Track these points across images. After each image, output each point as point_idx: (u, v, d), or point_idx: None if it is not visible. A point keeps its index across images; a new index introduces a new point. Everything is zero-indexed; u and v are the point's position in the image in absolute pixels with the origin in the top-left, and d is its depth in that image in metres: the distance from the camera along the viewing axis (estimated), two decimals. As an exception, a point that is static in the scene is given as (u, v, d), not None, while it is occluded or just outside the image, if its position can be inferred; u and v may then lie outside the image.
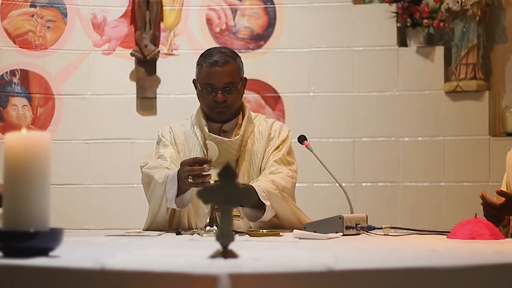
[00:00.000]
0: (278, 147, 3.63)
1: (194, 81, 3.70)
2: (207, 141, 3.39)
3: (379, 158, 5.43)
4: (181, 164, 3.30)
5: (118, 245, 2.68)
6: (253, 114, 3.72)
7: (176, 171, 3.35)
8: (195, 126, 3.63)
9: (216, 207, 3.18)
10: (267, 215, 3.39)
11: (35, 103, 5.42)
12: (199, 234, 3.20)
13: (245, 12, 5.58)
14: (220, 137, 3.55)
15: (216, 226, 3.20)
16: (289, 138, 3.68)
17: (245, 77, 3.65)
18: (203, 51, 3.60)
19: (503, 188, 3.39)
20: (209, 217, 3.24)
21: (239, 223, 3.47)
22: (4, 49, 5.38)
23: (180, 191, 3.36)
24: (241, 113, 3.65)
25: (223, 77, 3.54)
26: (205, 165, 3.22)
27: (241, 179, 3.55)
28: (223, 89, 3.54)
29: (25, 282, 1.92)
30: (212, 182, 3.21)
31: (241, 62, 3.63)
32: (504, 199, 3.18)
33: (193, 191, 3.40)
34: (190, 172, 3.23)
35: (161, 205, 3.44)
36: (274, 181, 3.45)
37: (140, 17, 5.49)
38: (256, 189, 3.35)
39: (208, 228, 3.21)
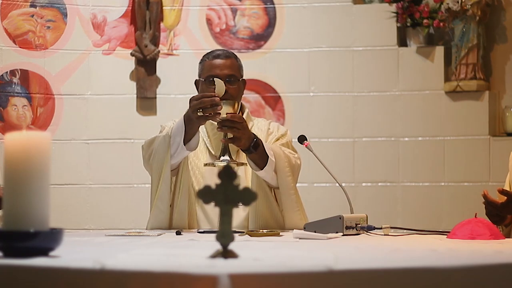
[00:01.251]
0: (278, 139, 3.70)
1: (196, 82, 3.73)
2: (214, 78, 3.44)
3: (379, 158, 5.43)
4: (190, 100, 3.35)
5: (118, 245, 2.67)
6: (252, 117, 3.81)
7: (181, 118, 3.41)
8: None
9: (227, 137, 3.33)
10: (268, 169, 3.44)
11: (35, 103, 5.42)
12: (213, 165, 3.33)
13: (245, 12, 5.58)
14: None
15: (229, 156, 3.32)
16: (288, 135, 3.75)
17: (244, 79, 3.72)
18: (203, 51, 3.65)
19: (506, 188, 3.39)
20: (222, 147, 3.36)
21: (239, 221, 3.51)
22: (4, 49, 5.38)
23: (187, 137, 3.40)
24: (240, 113, 3.70)
25: (225, 68, 3.63)
26: (215, 96, 3.30)
27: (241, 169, 3.62)
28: (225, 80, 3.59)
29: (25, 282, 1.92)
30: (223, 115, 3.29)
31: (241, 64, 3.73)
32: (506, 198, 3.18)
33: (199, 137, 3.46)
34: (200, 104, 3.29)
35: (165, 162, 3.45)
36: (283, 150, 3.54)
37: (140, 17, 5.49)
38: (265, 146, 3.43)
39: (222, 158, 3.32)
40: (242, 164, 3.42)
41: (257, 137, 3.45)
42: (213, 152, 3.64)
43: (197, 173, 3.61)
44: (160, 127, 3.79)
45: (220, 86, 3.36)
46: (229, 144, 3.38)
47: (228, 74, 3.61)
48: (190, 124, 3.38)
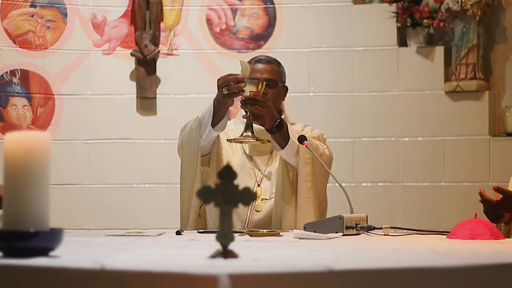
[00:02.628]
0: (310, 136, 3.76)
1: None
2: (239, 60, 3.57)
3: (379, 158, 5.43)
4: (217, 81, 3.49)
5: (118, 245, 2.68)
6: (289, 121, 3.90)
7: (211, 102, 3.55)
8: (237, 125, 3.79)
9: (249, 114, 3.47)
10: (289, 150, 3.54)
11: (35, 103, 5.42)
12: (235, 140, 3.52)
13: (245, 12, 5.58)
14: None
15: (251, 132, 3.47)
16: (322, 133, 3.86)
17: (286, 86, 3.86)
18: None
19: (510, 188, 3.39)
20: (245, 124, 3.50)
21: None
22: (4, 49, 5.38)
23: (216, 119, 3.53)
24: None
25: (265, 72, 3.75)
26: (239, 74, 3.45)
27: (273, 167, 3.69)
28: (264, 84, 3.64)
29: (25, 282, 1.92)
30: (247, 94, 3.44)
31: (284, 71, 3.86)
32: (501, 196, 3.19)
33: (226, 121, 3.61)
34: (226, 82, 3.44)
35: (195, 142, 3.57)
36: (311, 139, 3.64)
37: (140, 17, 5.49)
38: (289, 129, 3.54)
39: (244, 134, 3.48)
40: (263, 140, 3.53)
41: (282, 119, 3.56)
42: (247, 151, 3.74)
43: None
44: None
45: (245, 66, 3.49)
46: (253, 122, 3.50)
47: (268, 78, 3.72)
48: (219, 106, 3.52)
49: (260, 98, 3.45)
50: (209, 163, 3.65)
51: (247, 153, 3.74)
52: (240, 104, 3.51)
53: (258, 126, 3.54)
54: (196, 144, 3.58)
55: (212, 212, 3.58)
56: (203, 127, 3.56)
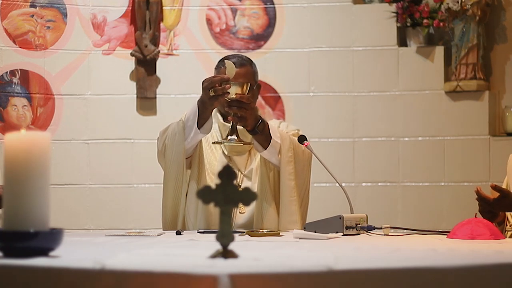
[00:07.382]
0: (287, 132, 3.76)
1: None
2: (225, 60, 3.55)
3: (379, 158, 5.43)
4: (202, 83, 3.47)
5: (118, 245, 2.67)
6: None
7: (195, 104, 3.52)
8: (213, 125, 3.74)
9: (234, 116, 3.45)
10: (272, 150, 3.54)
11: (35, 103, 5.42)
12: (221, 143, 3.51)
13: (245, 12, 5.58)
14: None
15: (236, 136, 3.46)
16: (298, 130, 3.83)
17: (259, 84, 3.80)
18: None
19: (505, 187, 3.39)
20: (230, 127, 3.49)
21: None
22: (4, 49, 5.38)
23: (201, 121, 3.50)
24: None
25: (239, 78, 3.64)
26: (224, 75, 3.43)
27: (253, 167, 3.69)
28: None
29: (25, 282, 1.92)
30: (233, 96, 3.42)
31: (256, 69, 3.79)
32: (498, 194, 3.19)
33: (211, 125, 3.57)
34: (211, 84, 3.42)
35: (179, 145, 3.54)
36: (291, 136, 3.65)
37: (140, 17, 5.49)
38: (270, 129, 3.54)
39: (229, 137, 3.46)
40: (249, 143, 3.53)
41: (263, 119, 3.54)
42: (225, 152, 3.72)
43: (210, 172, 3.66)
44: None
45: (230, 68, 3.47)
46: (237, 124, 3.49)
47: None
48: (203, 107, 3.49)
49: (246, 101, 3.44)
50: (190, 165, 3.63)
51: (226, 153, 3.72)
52: (225, 106, 3.50)
53: (239, 126, 3.54)
54: (181, 147, 3.54)
55: (191, 214, 3.57)
56: (188, 130, 3.53)
